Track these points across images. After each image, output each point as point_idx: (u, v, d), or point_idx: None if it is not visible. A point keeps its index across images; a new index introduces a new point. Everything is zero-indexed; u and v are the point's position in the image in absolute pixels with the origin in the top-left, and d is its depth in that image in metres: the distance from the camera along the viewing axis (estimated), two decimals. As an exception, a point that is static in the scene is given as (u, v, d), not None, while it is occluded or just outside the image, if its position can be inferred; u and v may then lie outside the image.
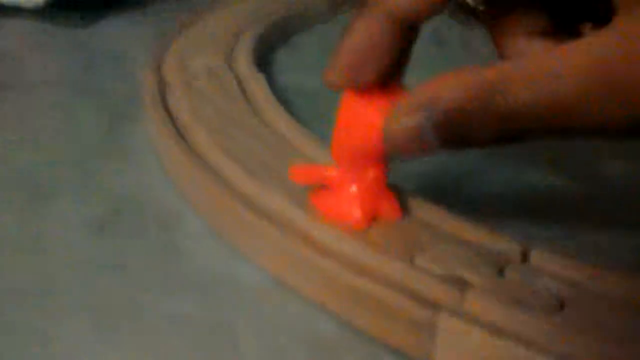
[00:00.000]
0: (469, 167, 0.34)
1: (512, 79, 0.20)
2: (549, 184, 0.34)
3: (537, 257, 0.25)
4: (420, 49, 0.26)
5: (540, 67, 0.20)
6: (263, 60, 0.47)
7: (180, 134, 0.34)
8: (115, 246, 0.29)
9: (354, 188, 0.26)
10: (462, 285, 0.23)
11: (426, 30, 0.25)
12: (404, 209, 0.27)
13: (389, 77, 0.25)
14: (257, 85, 0.39)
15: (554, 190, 0.33)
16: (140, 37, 0.50)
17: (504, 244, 0.26)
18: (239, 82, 0.40)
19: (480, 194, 0.33)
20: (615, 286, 0.23)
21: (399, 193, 0.27)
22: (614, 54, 0.18)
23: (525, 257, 0.25)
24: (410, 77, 0.26)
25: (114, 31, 0.53)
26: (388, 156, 0.25)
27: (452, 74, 0.21)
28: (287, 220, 0.27)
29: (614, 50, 0.19)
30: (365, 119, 0.24)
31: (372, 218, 0.26)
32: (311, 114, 0.40)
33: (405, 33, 0.24)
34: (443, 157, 0.24)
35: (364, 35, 0.24)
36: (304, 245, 0.26)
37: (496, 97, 0.20)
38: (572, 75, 0.19)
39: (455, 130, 0.21)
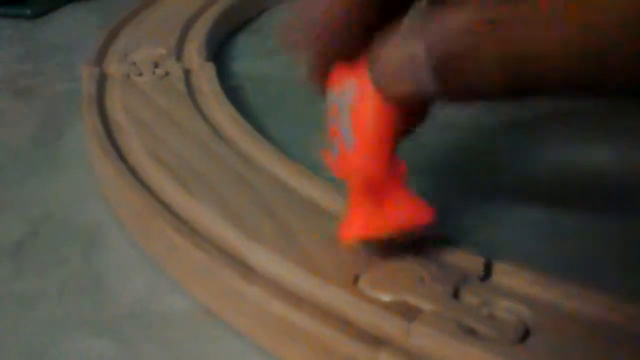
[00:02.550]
0: (431, 162, 0.30)
1: (537, 11, 0.16)
2: (524, 179, 0.30)
3: (501, 271, 0.21)
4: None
5: None
6: (219, 47, 0.43)
7: (112, 139, 0.30)
8: (28, 276, 0.25)
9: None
10: (408, 313, 0.20)
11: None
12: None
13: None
14: (204, 76, 0.36)
15: (531, 185, 0.29)
16: (96, 28, 0.47)
17: (463, 256, 0.22)
18: (186, 73, 0.36)
19: (442, 196, 0.29)
20: (590, 307, 0.20)
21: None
22: None
23: (488, 271, 0.22)
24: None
25: (69, 21, 0.50)
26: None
27: (462, 5, 0.17)
28: (219, 241, 0.24)
29: None
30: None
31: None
32: (263, 101, 0.36)
33: None
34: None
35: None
36: (233, 270, 0.22)
37: (516, 30, 0.16)
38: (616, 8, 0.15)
39: (459, 70, 0.17)
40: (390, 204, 0.21)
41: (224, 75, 0.37)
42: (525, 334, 0.19)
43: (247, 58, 0.41)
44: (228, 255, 0.23)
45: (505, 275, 0.21)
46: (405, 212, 0.21)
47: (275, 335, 0.21)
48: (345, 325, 0.20)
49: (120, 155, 0.29)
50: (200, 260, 0.23)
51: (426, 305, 0.20)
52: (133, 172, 0.28)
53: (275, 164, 0.27)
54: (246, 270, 0.22)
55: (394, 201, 0.21)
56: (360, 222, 0.21)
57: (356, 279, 0.21)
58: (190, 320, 0.23)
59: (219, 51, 0.43)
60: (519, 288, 0.21)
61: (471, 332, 0.19)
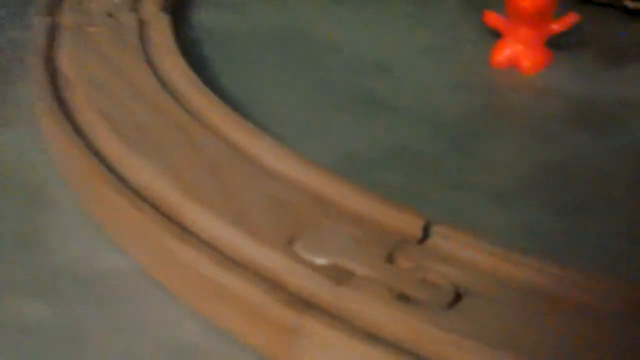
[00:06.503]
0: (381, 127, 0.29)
1: None
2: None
3: (440, 234, 0.21)
4: None
5: None
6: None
7: (58, 94, 0.30)
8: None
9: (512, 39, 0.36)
10: (340, 277, 0.19)
11: None
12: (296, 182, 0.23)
13: None
14: (158, 28, 0.35)
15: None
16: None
17: (402, 218, 0.22)
18: (141, 25, 0.35)
19: (388, 155, 0.28)
20: (523, 272, 0.19)
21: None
22: None
23: (426, 233, 0.21)
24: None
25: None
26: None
27: None
28: (158, 200, 0.23)
29: None
30: None
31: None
32: (221, 55, 0.35)
33: None
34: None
35: None
36: (168, 230, 0.22)
37: None
38: None
39: None
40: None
41: (184, 26, 0.36)
42: (456, 298, 0.19)
43: (210, 9, 0.40)
44: (165, 215, 0.22)
45: (443, 238, 0.21)
46: None
47: (206, 297, 0.21)
48: (275, 288, 0.20)
49: (66, 112, 0.28)
50: (137, 220, 0.22)
51: (359, 269, 0.20)
52: (78, 129, 0.27)
53: (223, 121, 0.27)
54: (181, 230, 0.22)
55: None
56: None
57: (291, 240, 0.21)
58: (127, 281, 0.23)
59: (181, 0, 0.41)
60: (455, 251, 0.20)
61: (402, 297, 0.19)
